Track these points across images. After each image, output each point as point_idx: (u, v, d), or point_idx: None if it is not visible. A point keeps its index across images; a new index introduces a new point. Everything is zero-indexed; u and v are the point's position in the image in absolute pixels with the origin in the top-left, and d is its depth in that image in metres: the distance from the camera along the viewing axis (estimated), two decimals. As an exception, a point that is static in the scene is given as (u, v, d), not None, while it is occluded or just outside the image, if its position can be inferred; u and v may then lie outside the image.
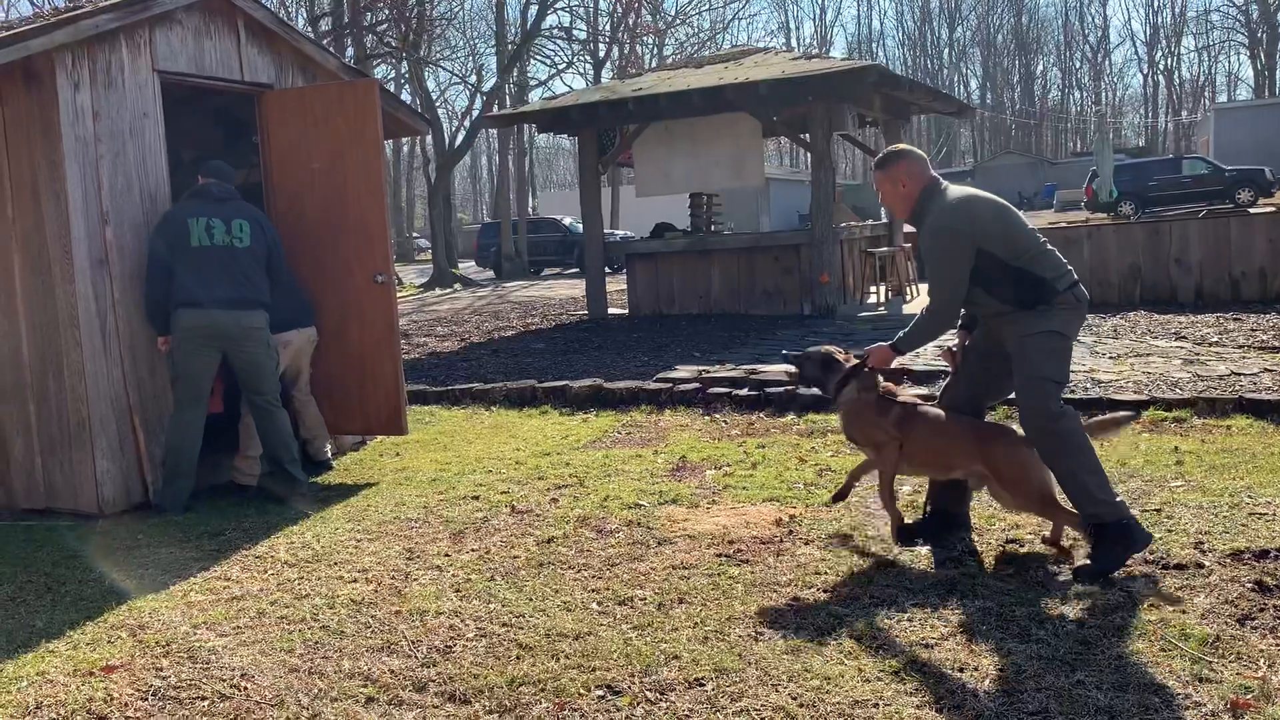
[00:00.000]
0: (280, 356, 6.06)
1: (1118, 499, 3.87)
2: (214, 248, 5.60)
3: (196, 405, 5.66)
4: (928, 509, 4.38)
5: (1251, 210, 22.20)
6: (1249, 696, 2.84)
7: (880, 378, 4.40)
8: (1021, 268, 3.94)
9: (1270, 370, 7.16)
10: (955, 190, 4.15)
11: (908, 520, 4.38)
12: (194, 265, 5.55)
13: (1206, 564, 3.82)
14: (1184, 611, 3.42)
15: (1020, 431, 4.08)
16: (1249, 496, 4.58)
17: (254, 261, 5.74)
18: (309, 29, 25.08)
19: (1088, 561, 3.82)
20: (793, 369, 4.69)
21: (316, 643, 3.62)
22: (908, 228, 10.70)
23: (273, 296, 5.89)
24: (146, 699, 3.27)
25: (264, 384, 5.80)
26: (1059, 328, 3.94)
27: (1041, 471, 3.98)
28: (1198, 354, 8.09)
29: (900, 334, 4.23)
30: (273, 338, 5.89)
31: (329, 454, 6.54)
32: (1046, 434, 3.86)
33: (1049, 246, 4.05)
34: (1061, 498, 3.97)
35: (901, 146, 4.37)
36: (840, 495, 4.54)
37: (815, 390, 4.73)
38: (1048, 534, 4.13)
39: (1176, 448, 5.51)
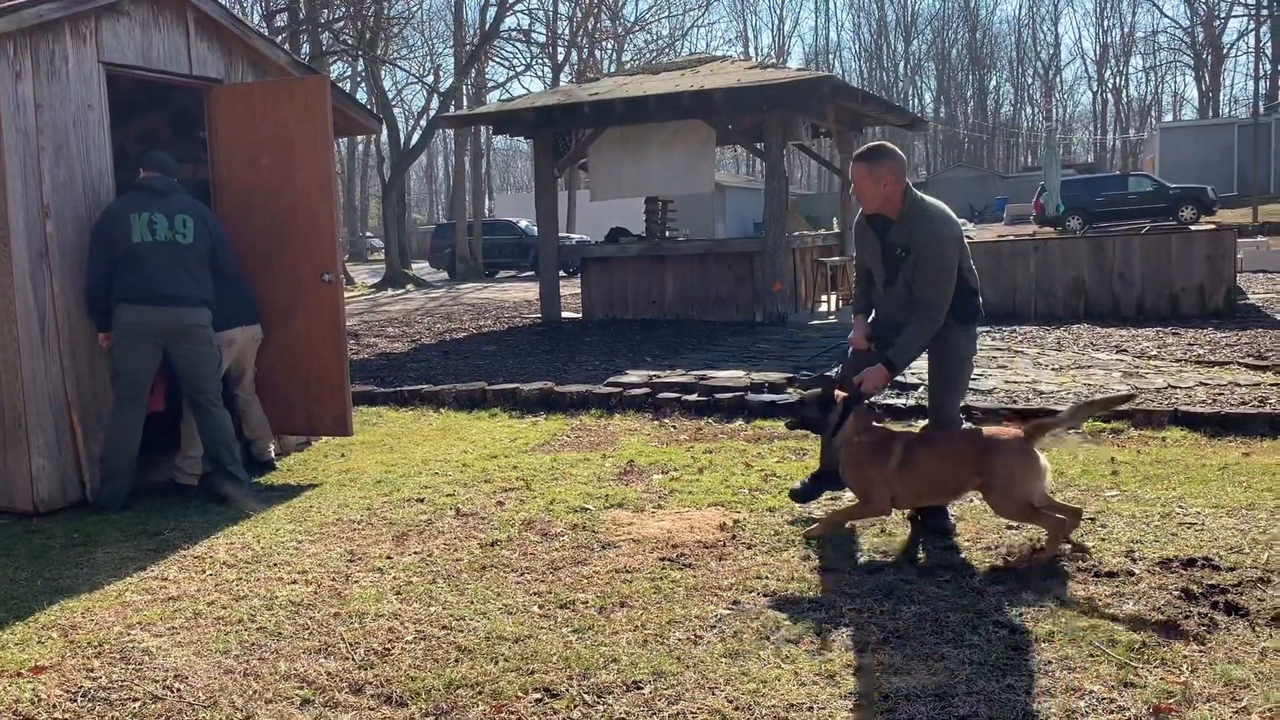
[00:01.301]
0: (223, 355, 5.99)
1: None
2: (156, 243, 5.51)
3: (136, 403, 5.57)
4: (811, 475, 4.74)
5: (1193, 228, 22.69)
6: (1171, 701, 2.91)
7: (873, 414, 4.40)
8: (970, 287, 4.32)
9: (1205, 384, 7.34)
10: (931, 200, 4.36)
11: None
12: (135, 261, 5.47)
13: (1136, 572, 3.91)
14: (1113, 618, 3.50)
15: (1015, 437, 4.16)
16: (1180, 506, 4.69)
17: (197, 258, 5.66)
18: (263, 25, 24.78)
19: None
20: (793, 408, 4.69)
21: (253, 644, 3.58)
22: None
23: (217, 293, 5.80)
24: (76, 700, 3.22)
25: (205, 382, 5.71)
26: (973, 353, 4.59)
27: (1031, 483, 4.06)
28: (1137, 367, 8.27)
29: (892, 351, 4.32)
30: (216, 336, 5.82)
31: (272, 454, 6.47)
32: (954, 423, 4.49)
33: (975, 270, 4.48)
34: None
35: (886, 145, 4.39)
36: (810, 539, 4.45)
37: (767, 398, 4.73)
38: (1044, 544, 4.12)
39: (1113, 458, 5.63)
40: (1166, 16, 78.96)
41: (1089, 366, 8.35)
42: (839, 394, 4.43)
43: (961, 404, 4.60)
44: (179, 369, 5.70)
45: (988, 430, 4.34)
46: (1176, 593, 3.68)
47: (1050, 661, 3.20)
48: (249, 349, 6.28)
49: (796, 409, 4.58)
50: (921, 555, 4.25)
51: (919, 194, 4.33)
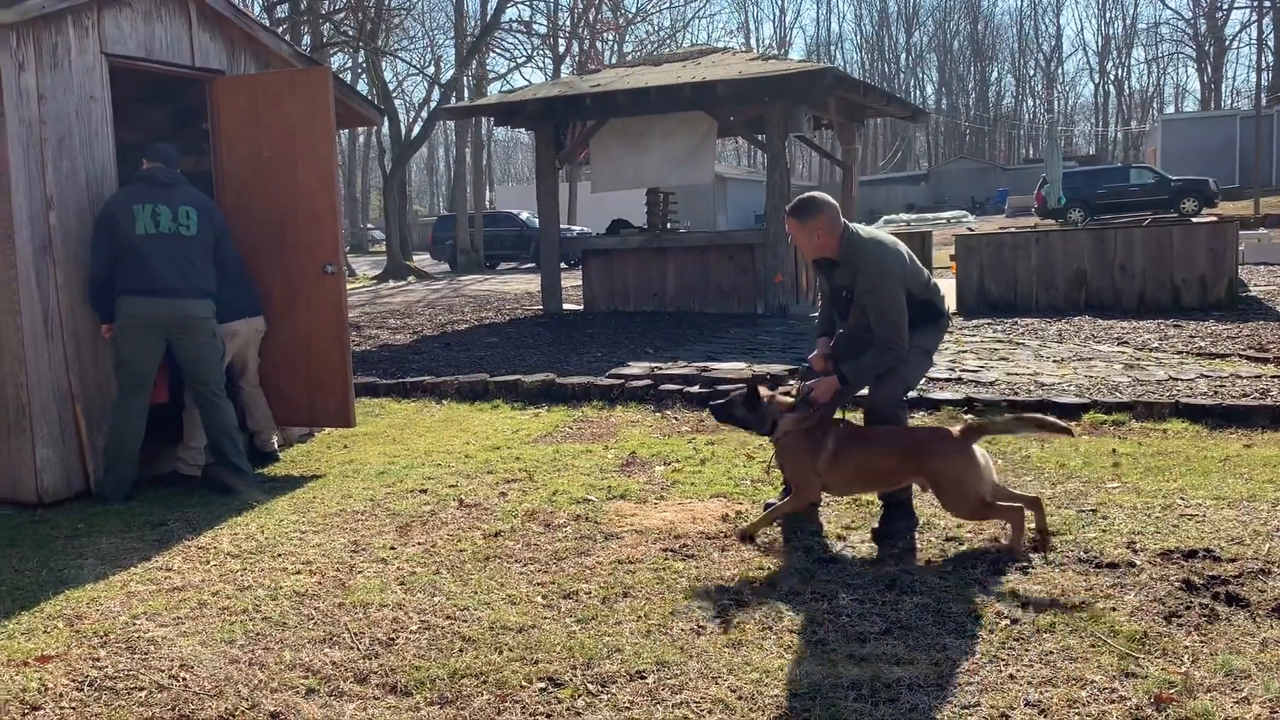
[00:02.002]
0: (226, 347, 6.00)
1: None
2: (160, 235, 5.52)
3: (139, 393, 5.58)
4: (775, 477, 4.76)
5: (1195, 220, 22.67)
6: (1172, 691, 2.92)
7: (811, 407, 4.44)
8: (925, 299, 4.43)
9: (1206, 376, 7.35)
10: (868, 231, 4.49)
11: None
12: (139, 253, 5.47)
13: (1137, 563, 3.92)
14: (1114, 608, 3.51)
15: (951, 436, 4.21)
16: (1181, 498, 4.70)
17: (200, 250, 5.66)
18: (264, 16, 24.72)
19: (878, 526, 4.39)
20: (720, 409, 4.66)
21: (258, 634, 3.60)
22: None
23: (219, 286, 5.81)
24: (82, 689, 3.23)
25: (208, 374, 5.72)
26: (931, 346, 4.60)
27: (976, 480, 4.09)
28: (1138, 359, 8.28)
29: (848, 366, 4.40)
30: (219, 327, 5.84)
31: (275, 446, 6.49)
32: (879, 420, 4.51)
33: (933, 281, 4.56)
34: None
35: (815, 197, 4.42)
36: (748, 536, 4.44)
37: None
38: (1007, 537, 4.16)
39: (1114, 450, 5.64)
40: (1169, 8, 79.09)
41: (1090, 359, 8.36)
42: (764, 391, 4.52)
43: (907, 391, 4.62)
44: (181, 360, 5.71)
45: (924, 429, 4.41)
46: (1178, 584, 3.69)
47: (1052, 652, 3.22)
48: (252, 341, 6.29)
49: (724, 409, 4.60)
50: (921, 549, 4.26)
51: (857, 233, 4.39)
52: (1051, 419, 4.40)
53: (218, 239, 5.79)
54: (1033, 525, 4.16)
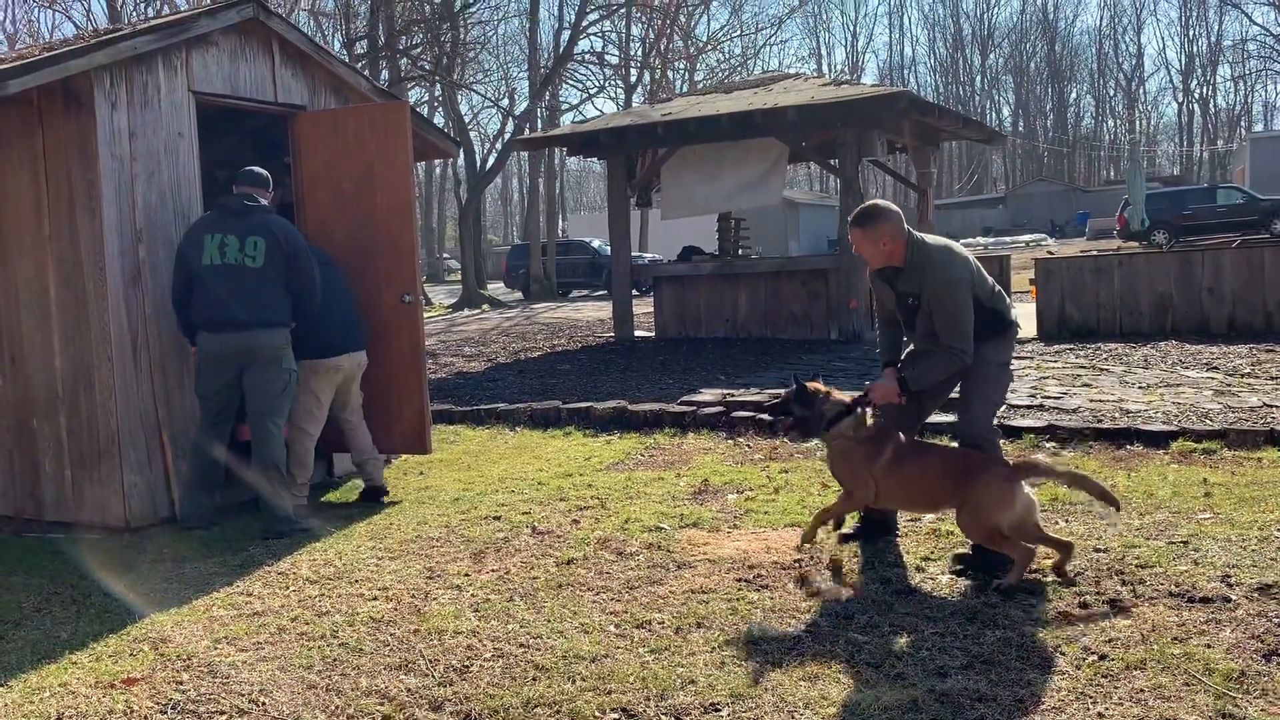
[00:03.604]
0: (327, 382, 5.93)
1: None
2: (224, 266, 5.47)
3: (219, 423, 5.65)
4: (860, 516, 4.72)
5: (1287, 240, 21.95)
6: (1274, 734, 2.79)
7: (870, 414, 4.44)
8: (992, 308, 4.35)
9: (1303, 402, 7.06)
10: (935, 239, 4.44)
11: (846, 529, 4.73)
12: (204, 284, 5.49)
13: (1233, 598, 3.76)
14: (1209, 645, 3.37)
15: (1001, 465, 4.20)
16: (1278, 530, 4.51)
17: (265, 280, 5.53)
18: (344, 52, 25.43)
19: (969, 552, 4.28)
20: (773, 409, 4.71)
21: (335, 660, 3.64)
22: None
23: (322, 319, 5.77)
24: (165, 712, 3.30)
25: (264, 404, 5.57)
26: (1006, 359, 4.51)
27: (1000, 514, 4.03)
28: (1229, 385, 7.99)
29: (910, 372, 4.40)
30: (323, 363, 5.83)
31: (382, 479, 6.27)
32: (982, 447, 4.37)
33: (998, 288, 4.48)
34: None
35: (877, 204, 4.42)
36: (810, 538, 4.54)
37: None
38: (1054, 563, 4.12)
39: (1205, 479, 5.44)
40: (1255, 24, 76.39)
41: (1178, 385, 8.09)
42: (815, 386, 4.56)
43: (995, 419, 4.52)
44: (245, 389, 5.61)
45: (979, 455, 4.32)
46: (1277, 620, 3.53)
47: (1143, 690, 3.10)
48: (353, 375, 6.13)
49: (780, 408, 4.64)
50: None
51: (922, 239, 4.37)
52: (1107, 490, 4.25)
53: (288, 265, 5.57)
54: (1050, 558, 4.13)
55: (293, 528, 5.44)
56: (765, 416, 4.82)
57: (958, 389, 4.57)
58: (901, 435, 4.43)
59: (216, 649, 3.79)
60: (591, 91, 37.69)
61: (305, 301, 5.72)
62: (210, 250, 5.49)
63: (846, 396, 4.54)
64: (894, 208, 4.40)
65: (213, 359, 5.56)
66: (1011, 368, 4.58)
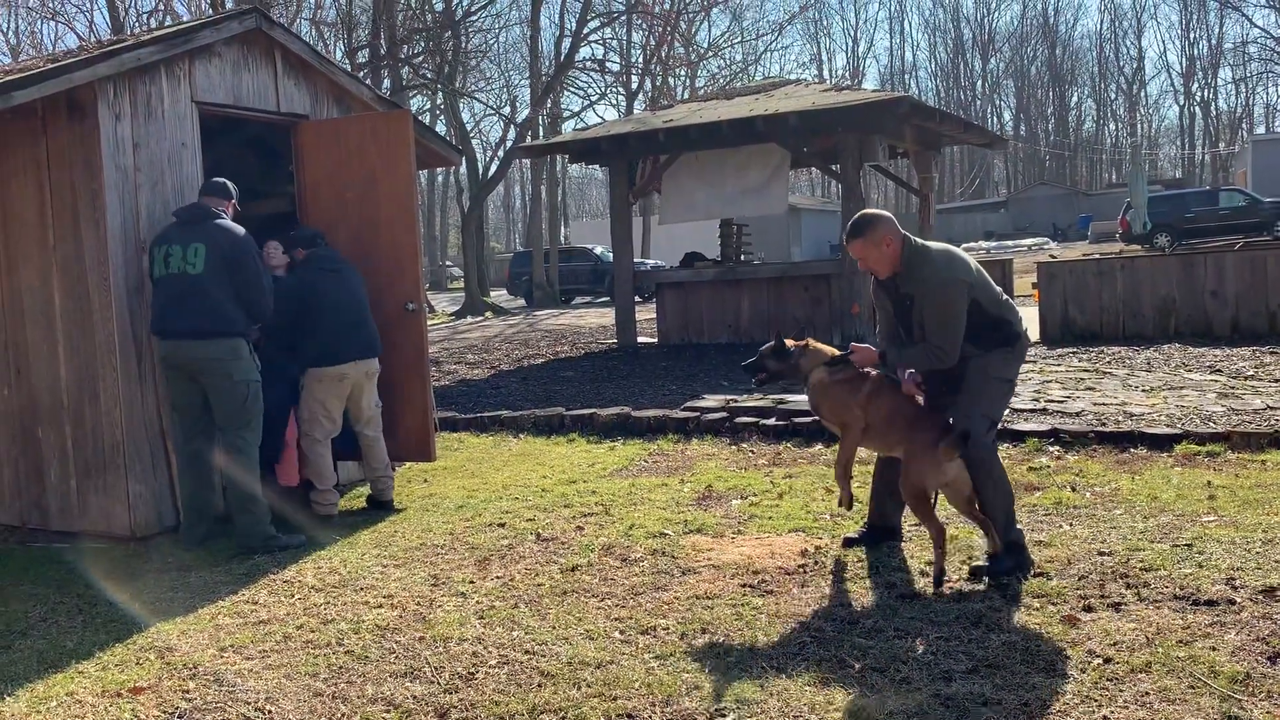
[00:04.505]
0: (332, 390, 5.89)
1: (1019, 527, 4.35)
2: (168, 276, 5.34)
3: (196, 437, 5.47)
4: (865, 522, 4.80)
5: (1290, 242, 21.91)
6: (1279, 736, 2.79)
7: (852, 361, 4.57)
8: (999, 315, 4.31)
9: (1307, 404, 7.05)
10: (934, 244, 4.43)
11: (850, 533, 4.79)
12: (155, 295, 5.44)
13: (1238, 600, 3.76)
14: (1214, 648, 3.37)
15: (936, 434, 4.27)
16: (1283, 532, 4.51)
17: (210, 287, 5.28)
18: (346, 61, 25.47)
19: (985, 563, 4.26)
20: (750, 366, 4.85)
21: (341, 667, 3.64)
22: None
23: (321, 327, 5.75)
24: (172, 720, 3.30)
25: (225, 417, 5.37)
26: (1011, 375, 4.44)
27: (925, 476, 4.21)
28: (1232, 388, 7.99)
29: (892, 351, 4.45)
30: (325, 370, 5.81)
31: (391, 496, 6.19)
32: (974, 462, 4.25)
33: (1007, 298, 4.43)
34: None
35: (868, 212, 4.44)
36: (847, 501, 4.61)
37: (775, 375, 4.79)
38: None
39: (1209, 482, 5.44)
40: (1256, 26, 76.46)
41: (1181, 388, 8.09)
42: (792, 342, 4.71)
43: (994, 426, 4.40)
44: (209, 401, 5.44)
45: (937, 416, 4.40)
46: (1282, 622, 3.53)
47: (1149, 693, 3.10)
48: (362, 385, 6.01)
49: (756, 365, 4.76)
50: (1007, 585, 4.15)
51: (919, 241, 4.37)
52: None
53: (231, 272, 5.31)
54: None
55: (269, 544, 5.27)
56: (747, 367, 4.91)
57: (960, 399, 4.46)
58: (879, 375, 4.54)
59: (222, 657, 3.80)
60: (593, 99, 37.74)
61: (254, 309, 5.46)
62: (158, 261, 5.39)
63: (832, 351, 4.66)
64: (885, 213, 4.42)
65: (168, 366, 5.47)
66: (1014, 385, 4.52)
